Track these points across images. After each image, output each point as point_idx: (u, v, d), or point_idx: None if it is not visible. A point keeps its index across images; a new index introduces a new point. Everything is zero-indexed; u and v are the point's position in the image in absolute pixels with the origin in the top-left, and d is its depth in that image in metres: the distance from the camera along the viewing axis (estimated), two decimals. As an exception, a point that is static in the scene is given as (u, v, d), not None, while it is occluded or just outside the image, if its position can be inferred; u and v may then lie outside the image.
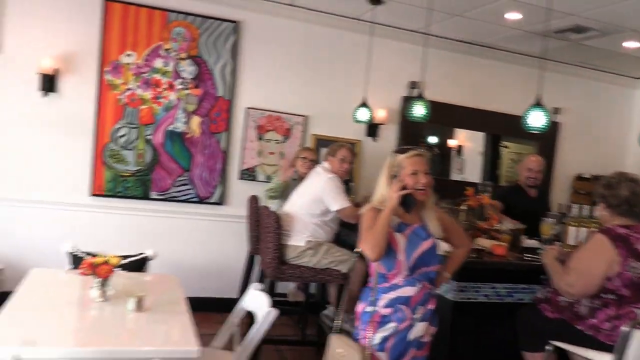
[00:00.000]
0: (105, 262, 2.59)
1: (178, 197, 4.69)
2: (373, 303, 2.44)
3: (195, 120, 4.68)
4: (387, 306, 2.39)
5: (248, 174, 4.88)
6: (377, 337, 2.40)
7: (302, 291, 4.43)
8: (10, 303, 2.36)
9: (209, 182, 4.77)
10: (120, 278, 2.68)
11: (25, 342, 1.98)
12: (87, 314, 2.45)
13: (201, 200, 4.76)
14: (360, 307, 2.53)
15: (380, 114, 5.03)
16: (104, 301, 2.53)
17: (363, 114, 4.58)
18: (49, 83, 4.30)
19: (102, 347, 2.07)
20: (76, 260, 3.25)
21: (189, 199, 4.73)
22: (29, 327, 2.19)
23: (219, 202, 4.81)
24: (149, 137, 4.58)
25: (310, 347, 3.97)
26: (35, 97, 4.32)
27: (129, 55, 4.49)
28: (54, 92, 4.34)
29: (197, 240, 4.79)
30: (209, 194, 4.78)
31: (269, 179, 4.82)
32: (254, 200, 4.39)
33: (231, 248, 4.83)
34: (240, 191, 4.83)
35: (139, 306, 2.46)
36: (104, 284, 2.56)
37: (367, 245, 2.33)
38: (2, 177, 4.33)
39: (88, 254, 3.19)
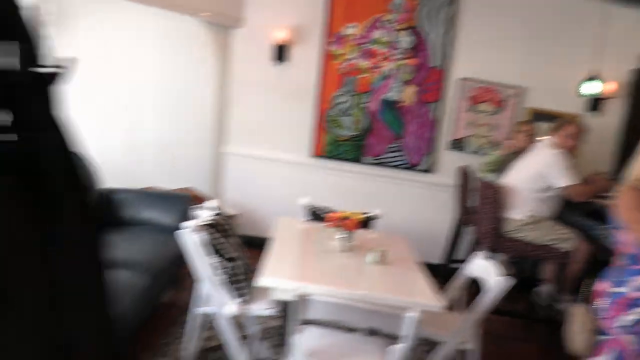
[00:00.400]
0: (348, 217, 2.90)
1: (389, 162, 4.94)
2: (619, 284, 2.37)
3: (410, 90, 4.83)
4: (638, 289, 2.30)
5: (457, 145, 4.91)
6: (624, 320, 2.33)
7: (512, 265, 4.39)
8: (275, 247, 2.76)
9: (419, 150, 4.92)
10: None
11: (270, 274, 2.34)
12: (336, 261, 2.76)
13: (411, 167, 4.94)
14: (601, 286, 2.47)
15: (608, 88, 4.64)
16: (347, 251, 2.85)
17: (592, 87, 4.27)
18: (280, 53, 4.79)
19: (359, 291, 2.35)
20: (311, 213, 3.66)
21: (400, 165, 4.94)
22: (297, 268, 2.57)
23: (428, 170, 4.94)
24: (364, 104, 4.86)
25: (518, 319, 3.97)
26: (269, 66, 4.85)
27: (351, 27, 4.77)
28: (285, 61, 4.83)
29: (404, 204, 5.01)
30: (419, 162, 4.94)
31: (478, 150, 4.80)
32: (464, 170, 4.43)
33: (436, 215, 4.96)
34: (447, 161, 4.91)
35: (382, 259, 2.73)
36: (349, 237, 2.87)
37: None
38: (241, 135, 4.99)
39: (322, 208, 3.59)
